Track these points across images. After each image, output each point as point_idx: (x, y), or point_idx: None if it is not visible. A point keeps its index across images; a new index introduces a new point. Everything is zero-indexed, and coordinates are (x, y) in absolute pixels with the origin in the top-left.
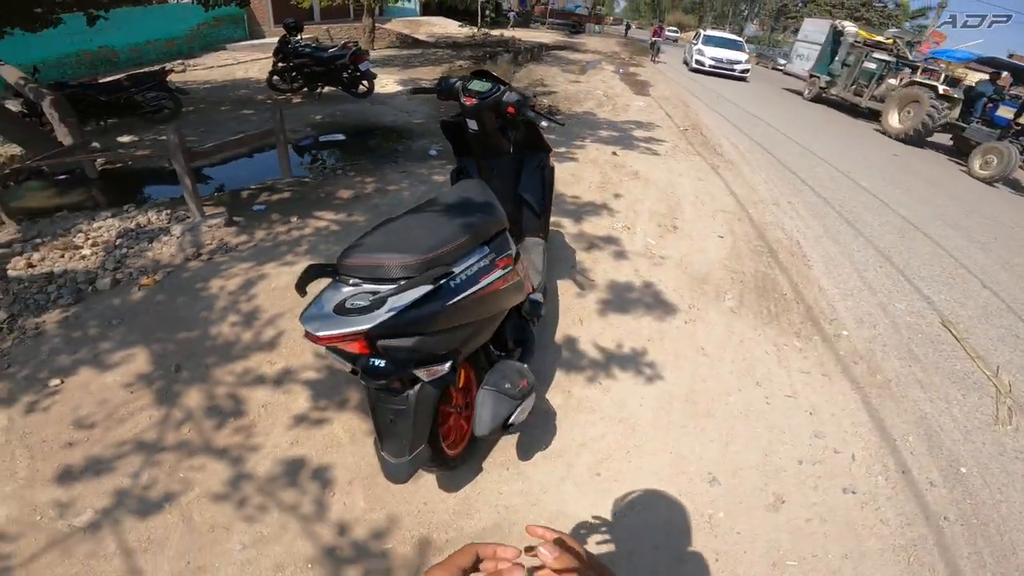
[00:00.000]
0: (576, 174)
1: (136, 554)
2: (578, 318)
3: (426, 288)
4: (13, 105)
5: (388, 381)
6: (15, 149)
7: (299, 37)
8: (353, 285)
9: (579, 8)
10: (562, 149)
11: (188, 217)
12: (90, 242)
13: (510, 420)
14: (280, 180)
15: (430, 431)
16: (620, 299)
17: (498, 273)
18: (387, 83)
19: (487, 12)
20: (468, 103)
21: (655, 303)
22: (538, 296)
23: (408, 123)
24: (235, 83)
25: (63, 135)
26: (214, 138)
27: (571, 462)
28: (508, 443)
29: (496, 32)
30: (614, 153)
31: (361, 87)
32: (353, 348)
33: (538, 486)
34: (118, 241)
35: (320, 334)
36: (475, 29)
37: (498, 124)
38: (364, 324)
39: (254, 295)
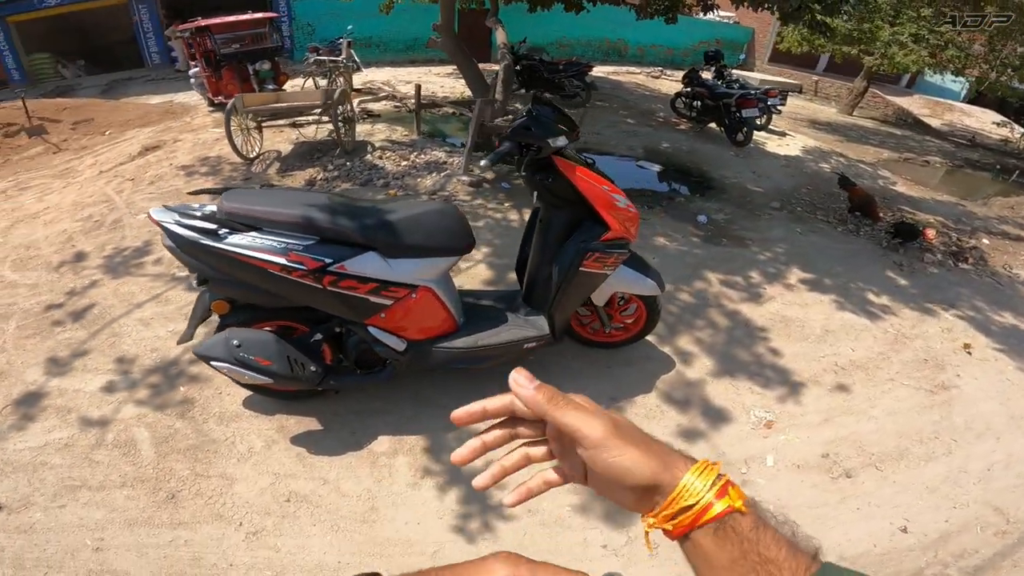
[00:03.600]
0: (830, 328)
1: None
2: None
3: (206, 224)
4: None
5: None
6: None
7: (719, 69)
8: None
9: None
10: (881, 301)
11: (458, 168)
12: (413, 159)
13: (213, 361)
14: None
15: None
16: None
17: (279, 260)
18: (794, 145)
19: None
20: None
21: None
22: (384, 335)
23: (740, 185)
24: (660, 98)
25: (497, 92)
26: (582, 129)
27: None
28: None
29: None
30: (966, 346)
31: (739, 135)
32: None
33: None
34: (422, 165)
35: (150, 212)
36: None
37: (528, 159)
38: (158, 217)
39: None
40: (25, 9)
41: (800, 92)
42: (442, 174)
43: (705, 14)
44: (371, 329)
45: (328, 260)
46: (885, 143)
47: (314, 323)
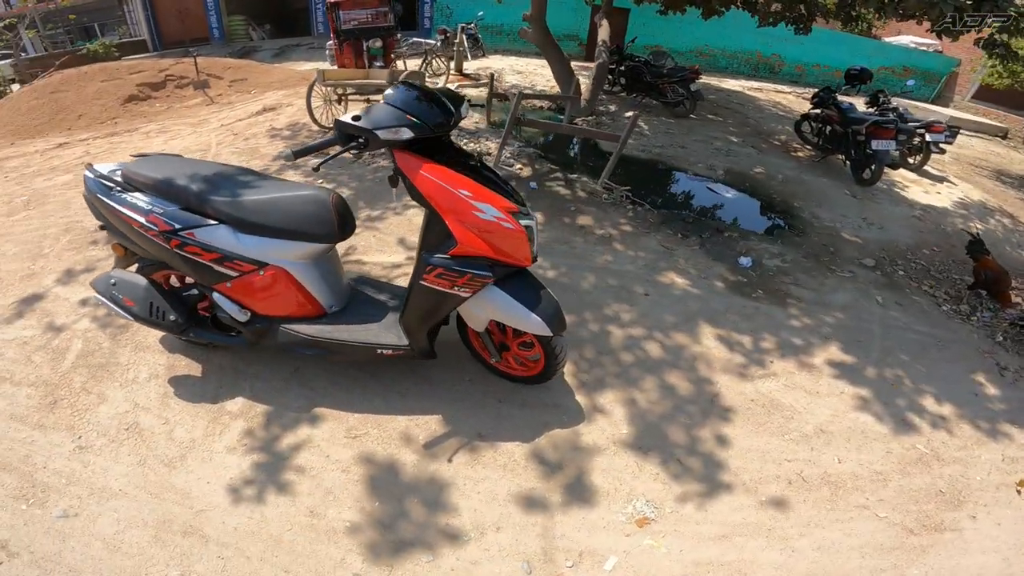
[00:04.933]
0: (828, 428)
1: None
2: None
3: (107, 182)
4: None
5: None
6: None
7: (874, 95)
8: None
9: None
10: (938, 409)
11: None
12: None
13: (95, 293)
14: (581, 177)
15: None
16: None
17: (140, 218)
18: (946, 195)
19: None
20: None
21: None
22: (226, 303)
23: (831, 231)
24: (791, 119)
25: (585, 90)
26: (668, 140)
27: None
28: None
29: None
30: (1022, 483)
31: (866, 172)
32: None
33: None
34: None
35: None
36: None
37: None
38: (87, 172)
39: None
40: None
41: (1004, 138)
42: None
43: (846, 26)
44: (215, 294)
45: (177, 225)
46: None
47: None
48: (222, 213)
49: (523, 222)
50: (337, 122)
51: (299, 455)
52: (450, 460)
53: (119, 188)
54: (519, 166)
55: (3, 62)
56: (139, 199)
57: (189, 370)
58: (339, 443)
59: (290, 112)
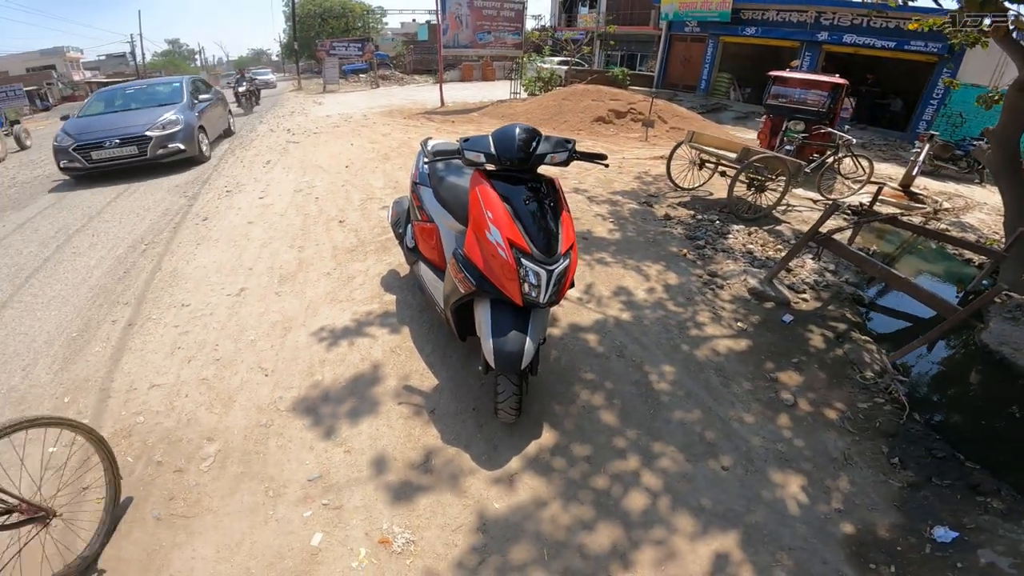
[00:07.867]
0: None
1: None
2: None
3: (426, 149)
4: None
5: None
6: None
7: None
8: None
9: None
10: None
11: (760, 275)
12: (763, 248)
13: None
14: (869, 344)
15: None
16: None
17: (413, 169)
18: None
19: None
20: None
21: None
22: (410, 232)
23: None
24: None
25: None
26: None
27: None
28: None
29: None
30: None
31: None
32: None
33: None
34: (755, 257)
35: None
36: None
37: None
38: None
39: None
40: (732, 33)
41: None
42: (750, 269)
43: None
44: (408, 225)
45: (416, 181)
46: None
47: None
48: (432, 183)
49: (526, 262)
50: (460, 139)
51: (360, 340)
52: (400, 404)
53: (424, 154)
54: (806, 295)
55: (562, 67)
56: (422, 161)
57: (405, 271)
58: (385, 351)
59: (660, 163)
